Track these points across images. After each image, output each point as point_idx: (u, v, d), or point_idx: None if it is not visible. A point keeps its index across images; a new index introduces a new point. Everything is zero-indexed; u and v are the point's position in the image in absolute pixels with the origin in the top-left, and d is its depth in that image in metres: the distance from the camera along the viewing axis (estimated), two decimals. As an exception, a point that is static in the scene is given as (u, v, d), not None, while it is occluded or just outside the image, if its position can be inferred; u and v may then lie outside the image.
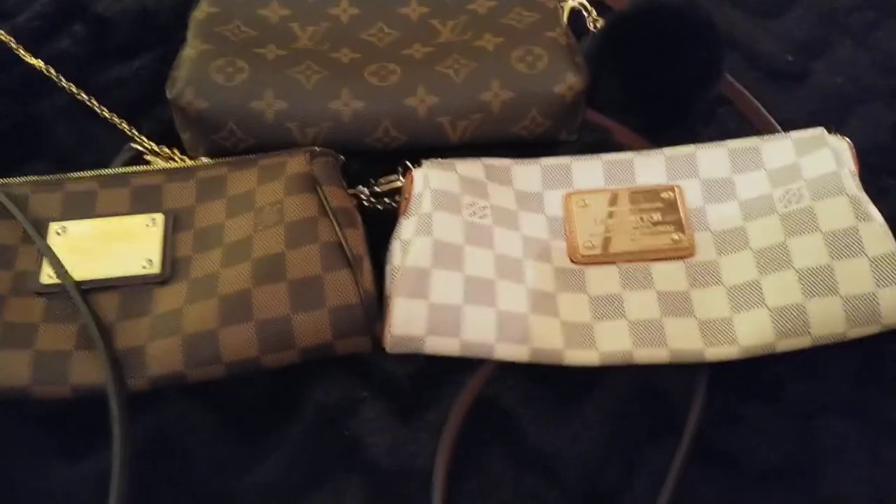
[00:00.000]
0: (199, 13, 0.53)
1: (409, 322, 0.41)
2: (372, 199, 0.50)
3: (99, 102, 0.54)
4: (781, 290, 0.41)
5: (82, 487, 0.41)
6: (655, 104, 0.54)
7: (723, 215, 0.46)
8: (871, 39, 0.60)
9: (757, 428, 0.43)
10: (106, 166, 0.50)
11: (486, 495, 0.41)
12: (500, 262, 0.43)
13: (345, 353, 0.42)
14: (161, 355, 0.40)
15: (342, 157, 0.49)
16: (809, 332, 0.41)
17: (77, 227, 0.45)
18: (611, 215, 0.46)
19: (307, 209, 0.43)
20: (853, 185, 0.43)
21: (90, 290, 0.43)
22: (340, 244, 0.42)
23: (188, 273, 0.44)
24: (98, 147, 0.53)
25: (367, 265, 0.42)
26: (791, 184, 0.44)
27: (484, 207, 0.45)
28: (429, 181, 0.45)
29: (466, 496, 0.41)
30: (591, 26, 0.58)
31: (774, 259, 0.42)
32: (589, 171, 0.48)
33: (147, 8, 0.60)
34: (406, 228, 0.44)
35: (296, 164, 0.46)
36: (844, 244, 0.41)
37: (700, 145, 0.48)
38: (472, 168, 0.47)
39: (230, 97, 0.48)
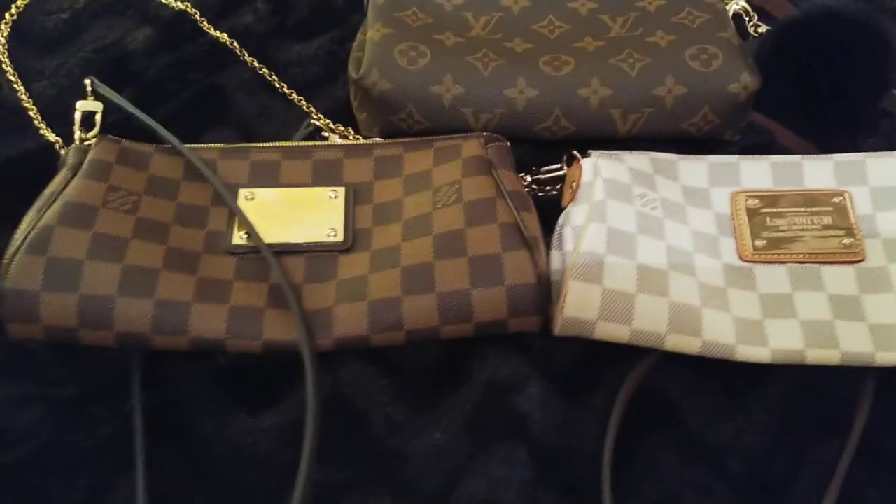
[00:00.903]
0: (378, -1, 0.55)
1: (582, 305, 0.42)
2: (533, 186, 0.51)
3: (280, 78, 0.57)
4: None
5: (263, 438, 0.44)
6: (822, 111, 0.53)
7: (893, 223, 0.45)
8: None
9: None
10: (285, 138, 0.53)
11: (651, 481, 0.41)
12: (672, 252, 0.44)
13: (516, 331, 0.44)
14: (347, 317, 0.43)
15: (508, 143, 0.51)
16: None
17: (265, 194, 0.48)
18: (780, 216, 0.46)
19: (485, 190, 0.45)
20: None
21: (278, 252, 0.46)
22: (518, 225, 0.44)
23: (370, 244, 0.46)
24: (277, 120, 0.56)
25: (542, 247, 0.43)
26: None
27: (654, 199, 0.46)
28: (599, 170, 0.46)
29: (632, 481, 0.42)
30: (751, 31, 0.58)
31: None
32: (757, 170, 0.48)
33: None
34: (577, 215, 0.45)
35: (471, 147, 0.48)
36: None
37: (870, 154, 0.48)
38: (639, 160, 0.48)
39: (412, 80, 0.50)
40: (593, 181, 0.46)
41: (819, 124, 0.55)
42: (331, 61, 0.58)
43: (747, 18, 0.58)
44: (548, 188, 0.52)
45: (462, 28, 0.54)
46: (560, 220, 0.46)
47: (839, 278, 0.44)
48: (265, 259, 0.45)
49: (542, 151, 0.53)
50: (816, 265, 0.45)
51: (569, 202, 0.47)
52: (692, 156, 0.49)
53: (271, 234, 0.47)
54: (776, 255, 0.45)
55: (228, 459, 0.43)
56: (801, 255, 0.45)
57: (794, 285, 0.44)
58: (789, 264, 0.45)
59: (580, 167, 0.47)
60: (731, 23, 0.54)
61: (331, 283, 0.45)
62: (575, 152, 0.49)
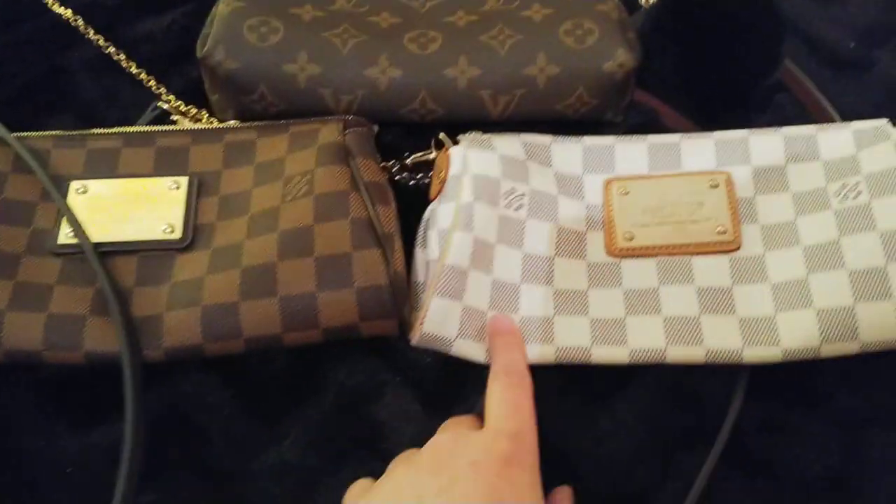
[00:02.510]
0: (232, -32, 0.50)
1: (442, 322, 0.39)
2: (402, 174, 0.48)
3: (127, 57, 0.52)
4: (831, 291, 0.38)
5: (92, 457, 0.40)
6: (710, 87, 0.51)
7: (773, 207, 0.43)
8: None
9: (799, 437, 0.40)
10: (131, 124, 0.48)
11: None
12: (528, 262, 0.41)
13: (370, 336, 0.40)
14: (179, 326, 0.39)
15: (376, 127, 0.47)
16: (858, 338, 0.38)
17: (99, 187, 0.44)
18: (653, 205, 0.44)
19: (338, 182, 0.41)
20: None
21: (108, 252, 0.41)
22: (371, 221, 0.40)
23: (211, 241, 0.42)
24: (124, 104, 0.51)
25: (398, 245, 0.40)
26: (848, 178, 0.41)
27: (521, 196, 0.43)
28: (468, 164, 0.43)
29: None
30: (643, 2, 0.55)
31: (825, 258, 0.40)
32: (633, 153, 0.45)
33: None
34: (444, 216, 0.42)
35: (328, 132, 0.44)
36: None
37: (754, 131, 0.45)
38: (511, 145, 0.44)
39: (262, 58, 0.46)
40: (461, 176, 0.42)
41: (706, 103, 0.52)
42: (185, 37, 0.53)
43: (637, -10, 0.55)
44: (419, 175, 0.48)
45: (325, 1, 0.50)
46: (426, 215, 0.43)
47: (711, 270, 0.42)
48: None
49: (412, 136, 0.49)
50: (688, 257, 0.42)
51: (436, 195, 0.43)
52: (568, 137, 0.46)
53: (102, 231, 0.42)
54: (646, 249, 0.42)
55: (53, 481, 0.39)
56: (674, 247, 0.42)
57: (661, 279, 0.41)
58: (659, 257, 0.42)
59: (448, 157, 0.44)
60: (614, -5, 0.51)
61: (164, 286, 0.40)
62: (443, 136, 0.46)
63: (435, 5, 0.50)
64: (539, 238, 0.42)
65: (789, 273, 0.40)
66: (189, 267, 0.41)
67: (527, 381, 0.36)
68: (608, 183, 0.44)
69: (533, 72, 0.47)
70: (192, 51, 0.49)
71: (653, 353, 0.39)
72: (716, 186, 0.43)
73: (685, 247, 0.42)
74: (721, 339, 0.39)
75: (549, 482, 0.39)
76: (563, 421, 0.41)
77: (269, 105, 0.47)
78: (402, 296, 0.39)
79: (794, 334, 0.38)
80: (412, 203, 0.44)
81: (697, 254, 0.42)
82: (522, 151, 0.45)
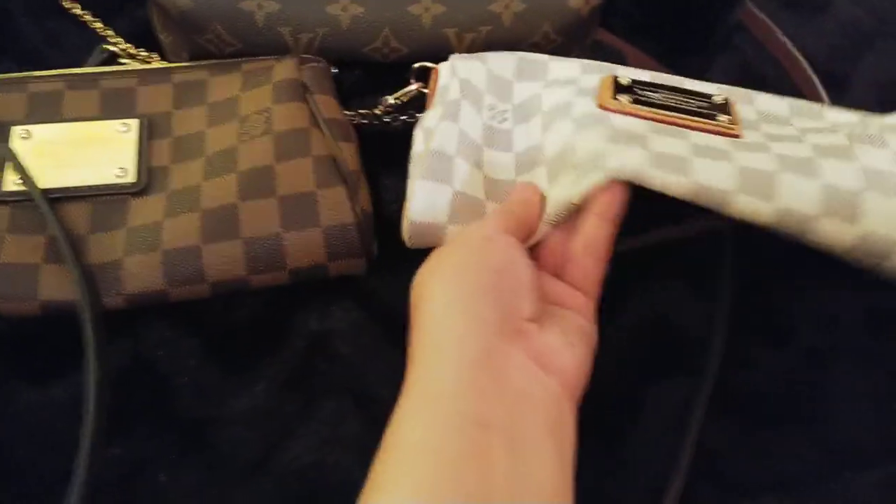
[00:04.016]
0: None
1: (431, 207, 0.37)
2: (385, 119, 0.47)
3: (69, -3, 0.50)
4: (839, 172, 0.35)
5: (54, 412, 0.38)
6: (672, 26, 0.51)
7: (777, 129, 0.41)
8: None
9: (767, 373, 0.41)
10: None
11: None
12: (521, 161, 0.40)
13: (337, 275, 0.40)
14: (139, 271, 0.37)
15: (335, 68, 0.45)
16: (858, 222, 0.35)
17: (43, 132, 0.41)
18: (653, 91, 0.41)
19: (297, 119, 0.40)
20: None
21: (59, 199, 0.39)
22: (334, 158, 0.39)
23: (167, 184, 0.40)
24: (69, 48, 0.49)
25: (363, 182, 0.39)
26: (864, 135, 0.39)
27: (504, 111, 0.42)
28: (456, 71, 0.42)
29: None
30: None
31: (836, 152, 0.37)
32: (634, 73, 0.43)
33: None
34: (430, 118, 0.41)
35: (284, 69, 0.42)
36: None
37: (760, 93, 0.44)
38: (503, 62, 0.43)
39: (216, -6, 0.44)
40: (449, 83, 0.41)
41: (669, 42, 0.52)
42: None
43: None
44: (403, 117, 0.47)
45: (280, -66, 0.48)
46: (416, 126, 0.41)
47: (708, 140, 0.38)
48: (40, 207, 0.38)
49: (373, 77, 0.48)
50: (683, 129, 0.39)
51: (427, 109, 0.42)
52: (565, 59, 0.44)
53: (50, 177, 0.40)
54: (637, 109, 0.39)
55: (14, 437, 0.37)
56: (667, 116, 0.39)
57: (652, 131, 0.38)
58: (649, 120, 0.39)
59: (437, 72, 0.43)
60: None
61: (120, 231, 0.39)
62: (428, 64, 0.45)
63: (397, -61, 0.48)
64: (530, 134, 0.41)
65: (796, 152, 0.37)
66: (145, 211, 0.39)
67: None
68: (606, 77, 0.42)
69: (498, 9, 0.46)
70: (139, -10, 0.47)
71: (633, 174, 0.35)
72: (720, 101, 0.41)
73: (681, 118, 0.40)
74: (711, 177, 0.35)
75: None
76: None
77: (224, 45, 0.45)
78: (369, 233, 0.39)
79: (793, 195, 0.35)
80: (396, 146, 0.43)
81: (693, 129, 0.39)
82: (514, 70, 0.43)
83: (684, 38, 0.52)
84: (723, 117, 0.40)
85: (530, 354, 0.31)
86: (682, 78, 0.44)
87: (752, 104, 0.43)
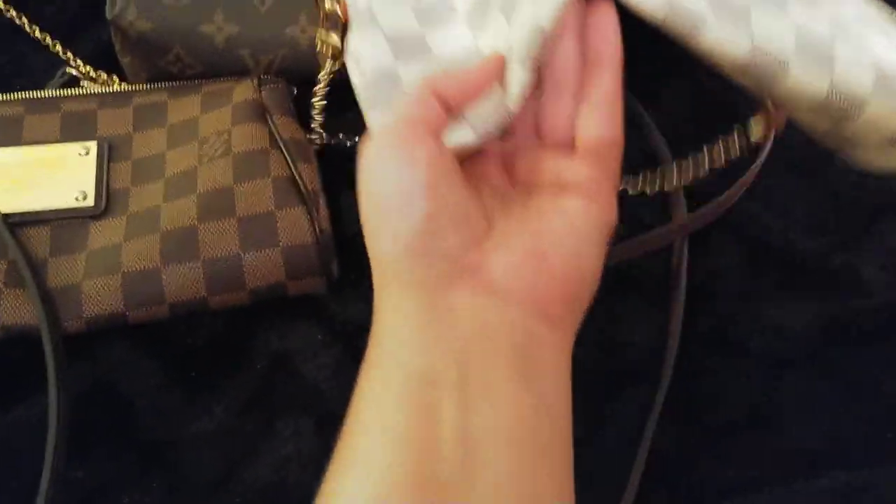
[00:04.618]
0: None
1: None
2: (324, 135, 0.47)
3: (30, 20, 0.50)
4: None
5: (15, 434, 0.38)
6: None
7: None
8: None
9: (721, 381, 0.42)
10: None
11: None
12: (471, 15, 0.36)
13: (297, 294, 0.40)
14: (98, 294, 0.37)
15: (295, 88, 0.46)
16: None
17: (3, 155, 0.41)
18: None
19: (257, 140, 0.40)
20: None
21: (18, 223, 0.40)
22: (294, 179, 0.40)
23: (126, 207, 0.40)
24: (28, 70, 0.49)
25: (322, 202, 0.39)
26: None
27: None
28: None
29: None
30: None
31: None
32: None
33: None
34: (353, 40, 0.37)
35: (243, 90, 0.43)
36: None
37: None
38: None
39: (177, 18, 0.44)
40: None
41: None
42: (92, -2, 0.50)
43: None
44: (340, 135, 0.47)
45: (238, -44, 0.48)
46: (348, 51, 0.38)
47: None
48: (-1, 232, 0.39)
49: (334, 96, 0.49)
50: None
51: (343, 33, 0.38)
52: None
53: (10, 201, 0.40)
54: None
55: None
56: None
57: None
58: None
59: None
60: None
61: (80, 254, 0.39)
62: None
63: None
64: None
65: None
66: (105, 234, 0.39)
67: None
68: None
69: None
70: (100, 13, 0.47)
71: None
72: None
73: None
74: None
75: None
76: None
77: (185, 67, 0.46)
78: (328, 253, 0.39)
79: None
80: (343, 165, 0.43)
81: None
82: None
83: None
84: None
85: (480, 286, 0.27)
86: None
87: None
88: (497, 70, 0.30)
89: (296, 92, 0.46)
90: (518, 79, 0.29)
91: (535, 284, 0.27)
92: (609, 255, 0.37)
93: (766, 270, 0.46)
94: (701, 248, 0.45)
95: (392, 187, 0.27)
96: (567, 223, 0.28)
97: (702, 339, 0.43)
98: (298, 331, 0.41)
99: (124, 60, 0.47)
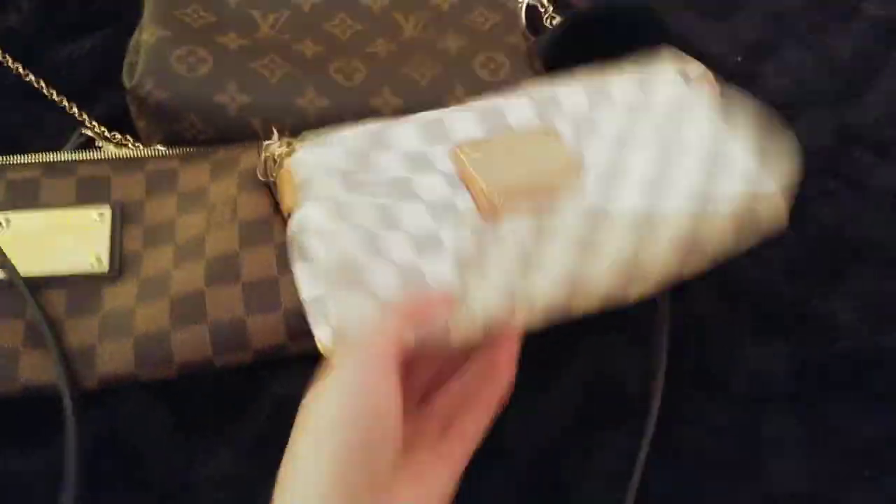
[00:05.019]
0: (155, -5, 0.51)
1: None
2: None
3: (48, 83, 0.52)
4: (673, 218, 0.40)
5: (32, 481, 0.40)
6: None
7: (598, 151, 0.44)
8: (818, 42, 0.61)
9: (704, 424, 0.44)
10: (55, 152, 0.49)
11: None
12: (418, 241, 0.41)
13: (297, 353, 0.43)
14: (112, 356, 0.40)
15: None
16: (706, 252, 0.41)
17: (22, 218, 0.44)
18: (503, 160, 0.44)
19: (261, 207, 0.43)
20: (699, 103, 0.45)
21: (37, 285, 0.42)
22: (297, 246, 0.42)
23: (138, 271, 0.43)
24: (47, 131, 0.51)
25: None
26: (646, 112, 0.45)
27: (376, 184, 0.42)
28: (317, 162, 0.41)
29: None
30: (546, 23, 0.58)
31: (659, 188, 0.42)
32: (463, 121, 0.45)
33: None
34: (313, 216, 0.39)
35: (249, 158, 0.45)
36: (718, 164, 0.42)
37: (553, 81, 0.47)
38: (354, 139, 0.44)
39: (193, 89, 0.47)
40: (312, 176, 0.41)
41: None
42: (107, 61, 0.53)
43: (542, 10, 0.58)
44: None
45: (248, 28, 0.51)
46: (292, 230, 0.40)
47: (571, 221, 0.40)
48: (21, 293, 0.41)
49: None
50: (552, 208, 0.40)
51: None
52: (396, 122, 0.46)
53: (29, 263, 0.43)
54: (511, 205, 0.41)
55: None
56: (533, 190, 0.42)
57: (536, 239, 0.39)
58: (528, 215, 0.40)
59: (290, 169, 0.42)
60: (522, 23, 0.54)
61: (95, 316, 0.41)
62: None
63: (356, 32, 0.52)
64: (415, 216, 0.41)
65: (634, 208, 0.41)
66: (118, 297, 0.42)
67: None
68: (456, 150, 0.44)
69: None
70: (114, 75, 0.50)
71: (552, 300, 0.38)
72: (549, 142, 0.44)
73: (545, 188, 0.42)
74: (607, 289, 0.39)
75: (482, 472, 0.41)
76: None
77: (198, 133, 0.48)
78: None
79: (659, 265, 0.40)
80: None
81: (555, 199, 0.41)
82: (367, 142, 0.44)
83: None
84: (565, 166, 0.43)
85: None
86: (501, 102, 0.46)
87: (562, 113, 0.46)
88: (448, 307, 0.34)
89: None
90: (467, 326, 0.34)
91: None
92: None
93: (744, 315, 0.48)
94: (682, 292, 0.47)
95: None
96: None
97: (684, 381, 0.45)
98: (302, 375, 0.44)
99: (139, 124, 0.49)
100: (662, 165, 0.43)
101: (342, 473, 0.28)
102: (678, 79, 0.46)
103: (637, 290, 0.41)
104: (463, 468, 0.33)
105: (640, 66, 0.46)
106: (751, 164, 0.42)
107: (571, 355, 0.46)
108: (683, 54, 0.48)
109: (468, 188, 0.43)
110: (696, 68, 0.47)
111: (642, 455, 0.42)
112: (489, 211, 0.42)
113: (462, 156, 0.43)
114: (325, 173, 0.41)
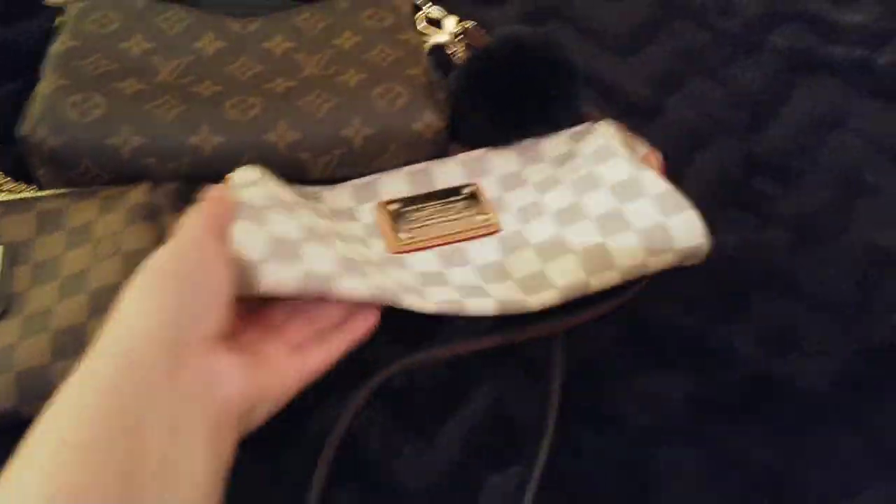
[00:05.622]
0: (58, 46, 0.52)
1: (245, 244, 0.39)
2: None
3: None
4: (582, 235, 0.46)
5: None
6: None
7: (520, 196, 0.51)
8: (725, 75, 0.63)
9: (596, 457, 0.44)
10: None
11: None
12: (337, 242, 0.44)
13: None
14: (-8, 392, 0.39)
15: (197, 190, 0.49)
16: (615, 266, 0.45)
17: (-86, 263, 0.44)
18: (419, 210, 0.50)
19: (145, 239, 0.43)
20: (624, 150, 0.49)
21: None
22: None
23: (22, 308, 0.43)
24: (-48, 183, 0.52)
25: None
26: (573, 161, 0.51)
27: (296, 228, 0.43)
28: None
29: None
30: (455, 61, 0.60)
31: (572, 215, 0.47)
32: (394, 182, 0.51)
33: (6, 39, 0.60)
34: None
35: (137, 193, 0.46)
36: (629, 190, 0.47)
37: (489, 149, 0.53)
38: (283, 190, 0.46)
39: (85, 134, 0.48)
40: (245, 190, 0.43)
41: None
42: (14, 113, 0.54)
43: (450, 51, 0.60)
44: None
45: (148, 74, 0.52)
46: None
47: (482, 251, 0.48)
48: None
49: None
50: (462, 244, 0.48)
51: None
52: (336, 185, 0.51)
53: (-83, 306, 0.42)
54: (423, 242, 0.48)
55: None
56: (446, 237, 0.48)
57: (443, 265, 0.47)
58: (437, 248, 0.48)
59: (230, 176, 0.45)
60: (425, 59, 0.55)
61: (-24, 356, 0.41)
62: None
63: (256, 73, 0.53)
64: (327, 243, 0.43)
65: (546, 233, 0.48)
66: (3, 335, 0.42)
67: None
68: (379, 204, 0.50)
69: (349, 133, 0.51)
70: (12, 129, 0.50)
71: (451, 305, 0.43)
72: (470, 194, 0.51)
73: (456, 234, 0.49)
74: (506, 295, 0.44)
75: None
76: (389, 449, 0.43)
77: (95, 178, 0.49)
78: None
79: (564, 276, 0.45)
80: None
81: (468, 240, 0.48)
82: (294, 194, 0.47)
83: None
84: (479, 217, 0.50)
85: (201, 371, 0.33)
86: (430, 164, 0.52)
87: (491, 174, 0.52)
88: None
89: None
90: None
91: (233, 397, 0.35)
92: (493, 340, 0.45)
93: (643, 347, 0.48)
94: (580, 326, 0.47)
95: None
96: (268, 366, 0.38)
97: (579, 415, 0.45)
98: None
99: (39, 173, 0.50)
100: (575, 197, 0.48)
101: (164, 316, 0.33)
102: (610, 129, 0.51)
103: (542, 298, 0.44)
104: (296, 388, 0.39)
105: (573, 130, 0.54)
106: (662, 188, 0.47)
107: (468, 390, 0.46)
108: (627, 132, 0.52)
109: (383, 233, 0.49)
110: (642, 147, 0.51)
111: (529, 494, 0.41)
112: (396, 249, 0.48)
113: (382, 208, 0.50)
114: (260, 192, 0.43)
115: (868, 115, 0.61)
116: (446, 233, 0.48)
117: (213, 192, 0.41)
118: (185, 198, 0.47)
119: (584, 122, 0.54)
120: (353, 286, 0.40)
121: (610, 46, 0.65)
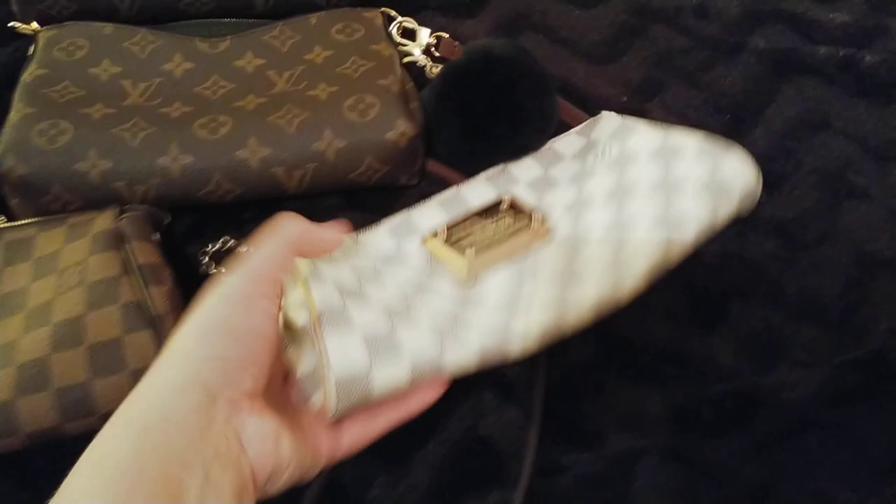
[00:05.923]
0: (26, 76, 0.52)
1: (347, 356, 0.34)
2: (212, 264, 0.50)
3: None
4: (642, 212, 0.43)
5: None
6: (493, 152, 0.54)
7: (559, 196, 0.48)
8: (705, 79, 0.62)
9: (577, 477, 0.42)
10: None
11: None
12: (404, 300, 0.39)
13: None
14: (-49, 430, 0.39)
15: (168, 215, 0.49)
16: (685, 231, 0.41)
17: None
18: (471, 234, 0.45)
19: (109, 268, 0.43)
20: (642, 123, 0.48)
21: None
22: (142, 304, 0.41)
23: (-12, 342, 0.42)
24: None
25: (170, 323, 0.41)
26: (596, 148, 0.49)
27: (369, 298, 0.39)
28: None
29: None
30: (430, 75, 0.59)
31: (622, 193, 0.45)
32: (428, 214, 0.47)
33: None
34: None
35: (103, 220, 0.45)
36: (668, 155, 0.45)
37: (508, 164, 0.50)
38: (337, 268, 0.39)
39: (53, 160, 0.47)
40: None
41: (493, 166, 0.56)
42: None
43: (424, 64, 0.59)
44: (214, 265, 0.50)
45: (117, 98, 0.52)
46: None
47: (550, 258, 0.43)
48: None
49: (212, 218, 0.52)
50: (527, 255, 0.43)
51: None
52: (370, 230, 0.45)
53: None
54: (491, 261, 0.43)
55: None
56: (511, 250, 0.43)
57: (519, 283, 0.41)
58: (504, 267, 0.43)
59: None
60: (397, 69, 0.54)
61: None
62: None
63: (226, 92, 0.53)
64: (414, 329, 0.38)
65: (605, 221, 0.44)
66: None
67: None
68: (424, 240, 0.44)
69: (321, 146, 0.50)
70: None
71: (550, 328, 0.39)
72: (510, 204, 0.46)
73: (523, 244, 0.43)
74: (598, 293, 0.40)
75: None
76: (363, 481, 0.42)
77: (66, 203, 0.48)
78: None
79: (642, 258, 0.41)
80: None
81: (532, 247, 0.43)
82: (347, 269, 0.40)
83: (506, 159, 0.56)
84: (531, 223, 0.45)
85: (233, 427, 0.31)
86: (459, 188, 0.48)
87: (518, 182, 0.49)
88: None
89: (169, 219, 0.49)
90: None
91: (263, 462, 0.32)
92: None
93: (623, 361, 0.47)
94: (560, 343, 0.46)
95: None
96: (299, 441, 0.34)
97: (558, 433, 0.43)
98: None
99: (11, 203, 0.49)
100: (618, 177, 0.46)
101: (201, 362, 0.31)
102: (615, 115, 0.49)
103: (625, 292, 0.41)
104: (327, 462, 0.35)
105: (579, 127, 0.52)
106: (700, 144, 0.45)
107: (450, 414, 0.44)
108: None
109: (445, 266, 0.43)
110: None
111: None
112: (468, 280, 0.42)
113: (430, 241, 0.44)
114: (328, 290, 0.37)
115: (853, 115, 0.59)
116: (510, 245, 0.43)
117: (290, 228, 0.36)
118: (153, 221, 0.47)
119: (563, 130, 0.53)
120: (457, 358, 0.36)
121: (587, 55, 0.63)
